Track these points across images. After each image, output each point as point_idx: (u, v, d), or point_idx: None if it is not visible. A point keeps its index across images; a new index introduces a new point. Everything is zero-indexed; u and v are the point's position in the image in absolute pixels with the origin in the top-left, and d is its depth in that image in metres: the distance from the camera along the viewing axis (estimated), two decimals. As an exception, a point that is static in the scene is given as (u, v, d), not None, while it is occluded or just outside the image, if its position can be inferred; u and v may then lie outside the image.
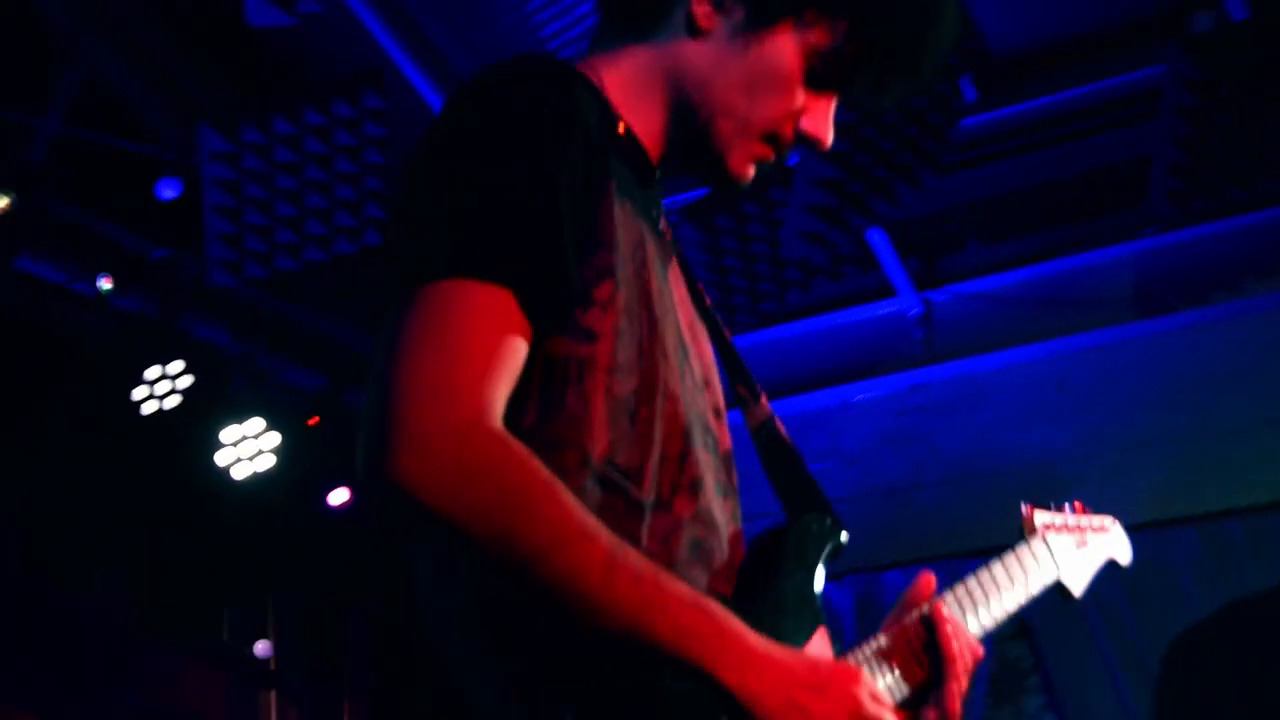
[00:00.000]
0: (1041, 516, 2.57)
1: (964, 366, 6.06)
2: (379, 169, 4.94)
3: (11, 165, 5.08)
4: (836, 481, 6.20)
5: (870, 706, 1.67)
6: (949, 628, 2.04)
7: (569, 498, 1.51)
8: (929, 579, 2.16)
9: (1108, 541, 2.65)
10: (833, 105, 1.88)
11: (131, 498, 5.59)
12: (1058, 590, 2.43)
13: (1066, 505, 2.60)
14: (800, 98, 1.84)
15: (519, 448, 1.50)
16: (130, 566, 5.76)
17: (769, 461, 1.93)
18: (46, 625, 5.68)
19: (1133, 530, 5.38)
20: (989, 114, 5.42)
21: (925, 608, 2.08)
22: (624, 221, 1.71)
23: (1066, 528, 2.55)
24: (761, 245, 5.72)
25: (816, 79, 1.84)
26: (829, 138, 1.88)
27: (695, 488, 1.76)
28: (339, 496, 6.03)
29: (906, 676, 2.03)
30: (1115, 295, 5.78)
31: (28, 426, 5.44)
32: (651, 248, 1.78)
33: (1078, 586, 2.48)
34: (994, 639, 5.62)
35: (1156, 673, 5.29)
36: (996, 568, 2.35)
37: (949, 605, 2.11)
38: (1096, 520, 2.63)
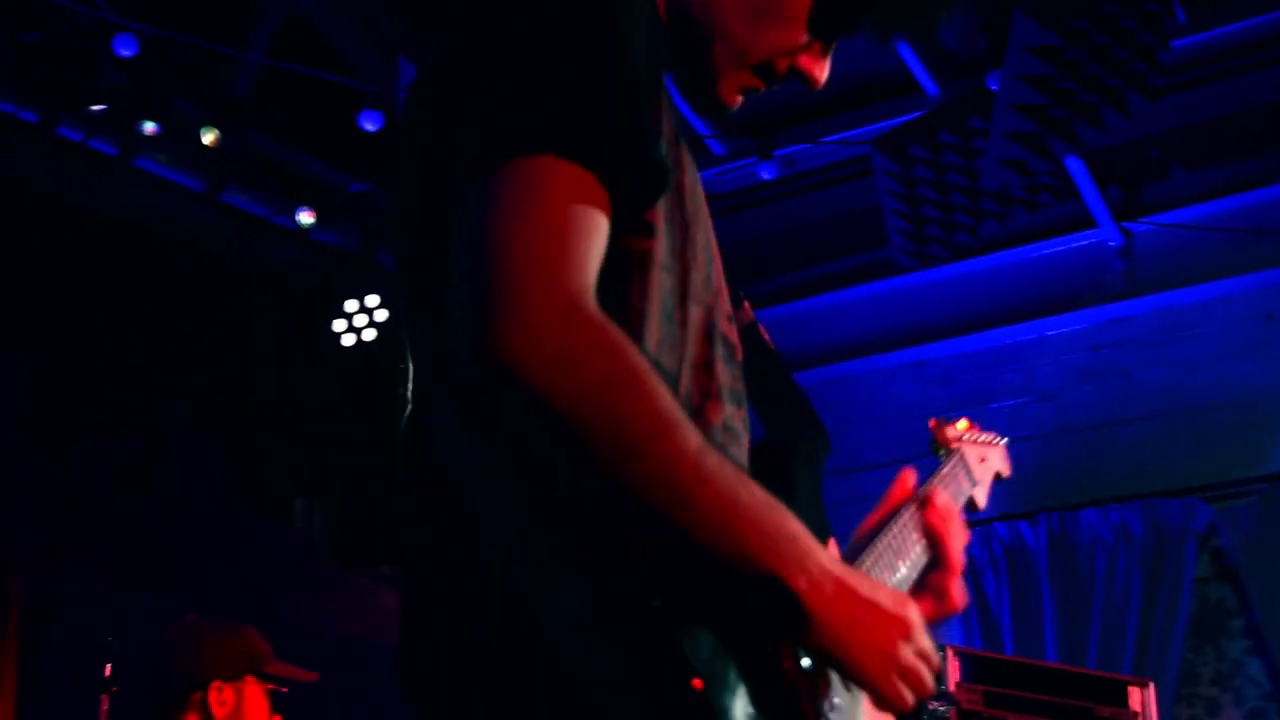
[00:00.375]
0: (951, 431, 2.58)
1: (1166, 299, 5.90)
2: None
3: (217, 100, 5.18)
4: (1030, 418, 6.09)
5: (922, 633, 1.61)
6: (950, 523, 2.07)
7: (665, 387, 1.45)
8: (909, 475, 2.17)
9: (998, 457, 2.69)
10: (832, 45, 1.80)
11: (331, 428, 5.70)
12: (968, 505, 2.46)
13: (957, 421, 2.61)
14: (804, 34, 1.75)
15: (620, 332, 1.44)
16: (330, 497, 5.86)
17: (752, 369, 1.80)
18: (249, 555, 5.81)
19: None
20: (1197, 36, 5.26)
21: (921, 498, 2.11)
22: (667, 111, 1.64)
23: (974, 442, 2.59)
24: (957, 175, 5.60)
25: (819, 19, 1.75)
26: (824, 78, 1.79)
27: (720, 395, 1.68)
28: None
29: (913, 571, 2.05)
30: (1327, 223, 5.58)
31: (231, 359, 5.56)
32: (683, 141, 1.72)
33: (983, 498, 2.55)
34: (1194, 580, 5.51)
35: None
36: (937, 483, 2.33)
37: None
38: (988, 436, 2.68)
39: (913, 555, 2.05)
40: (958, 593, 2.02)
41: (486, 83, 1.52)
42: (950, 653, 4.29)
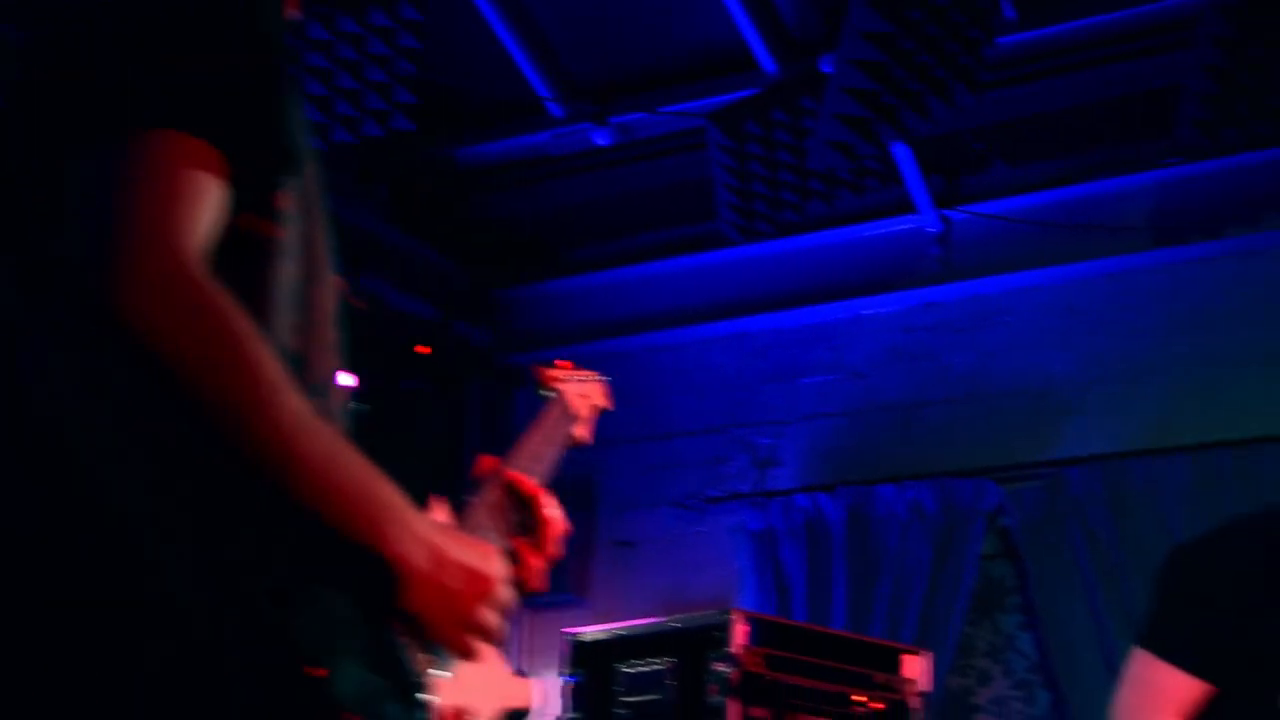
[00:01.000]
0: (552, 372, 2.90)
1: (977, 287, 6.11)
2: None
3: None
4: (841, 394, 6.27)
5: (502, 586, 1.66)
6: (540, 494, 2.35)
7: (268, 351, 1.50)
8: (490, 460, 2.38)
9: (597, 392, 2.99)
10: None
11: None
12: (570, 440, 2.79)
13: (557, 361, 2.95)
14: None
15: (225, 296, 1.49)
16: None
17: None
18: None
19: (1129, 457, 5.50)
20: (1024, 34, 5.44)
21: (505, 480, 2.34)
22: (297, 97, 1.68)
23: (574, 381, 2.90)
24: (787, 154, 5.73)
25: None
26: None
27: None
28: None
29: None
30: (1132, 223, 5.81)
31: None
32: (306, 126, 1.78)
33: (585, 432, 2.89)
34: (979, 557, 5.74)
35: (1135, 599, 5.36)
36: (540, 429, 2.67)
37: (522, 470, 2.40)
38: (587, 374, 2.97)
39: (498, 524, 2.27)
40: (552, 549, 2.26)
41: (125, 49, 1.55)
42: (738, 617, 4.43)
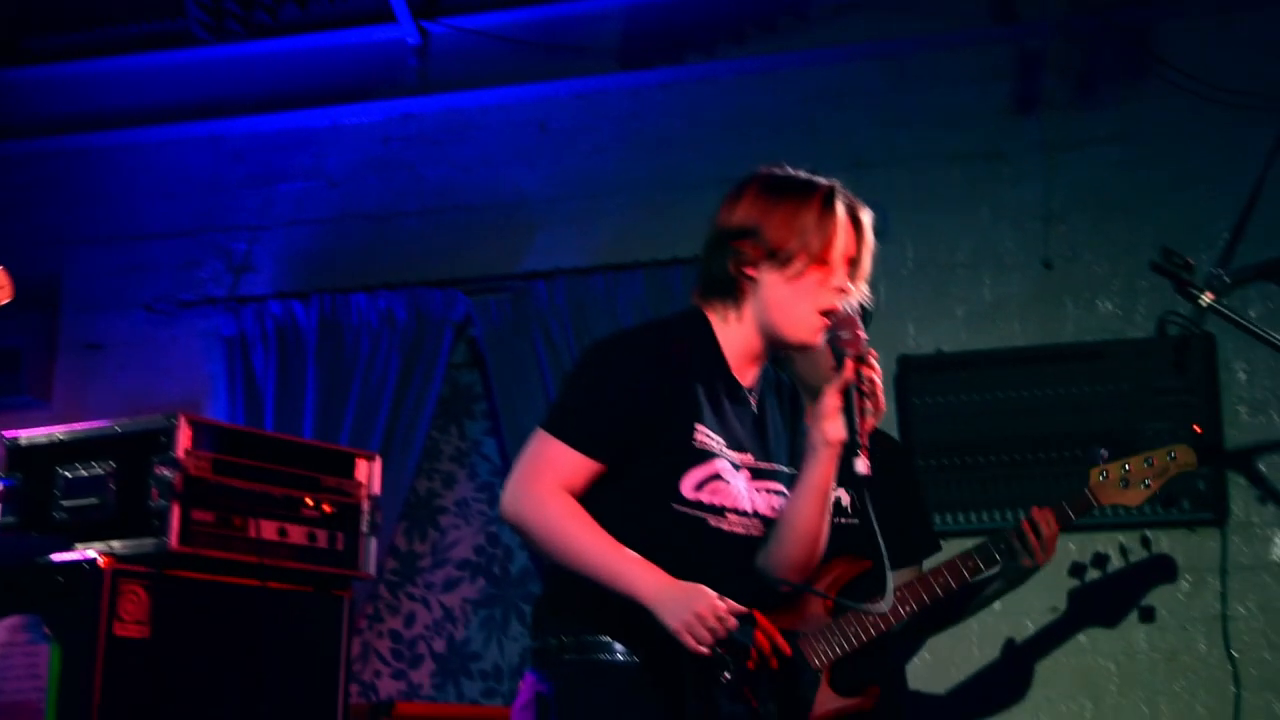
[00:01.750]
0: None
1: (453, 100, 6.17)
2: None
3: None
4: (317, 202, 6.25)
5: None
6: None
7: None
8: None
9: None
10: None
11: None
12: None
13: None
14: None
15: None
16: None
17: None
18: None
19: (589, 272, 5.74)
20: None
21: None
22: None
23: None
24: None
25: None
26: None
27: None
28: None
29: None
30: (601, 45, 5.99)
31: None
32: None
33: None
34: (448, 366, 5.91)
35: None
36: None
37: None
38: None
39: None
40: None
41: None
42: (183, 420, 4.41)
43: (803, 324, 2.83)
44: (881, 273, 5.55)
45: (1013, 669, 5.10)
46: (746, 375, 2.93)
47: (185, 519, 4.35)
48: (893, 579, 2.84)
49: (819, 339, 2.83)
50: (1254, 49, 5.28)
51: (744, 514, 2.86)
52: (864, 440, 2.75)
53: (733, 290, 2.87)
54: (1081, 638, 5.07)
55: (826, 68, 5.77)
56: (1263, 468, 4.99)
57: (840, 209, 2.86)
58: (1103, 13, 5.35)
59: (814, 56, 5.76)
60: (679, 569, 2.71)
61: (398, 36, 6.17)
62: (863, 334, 2.81)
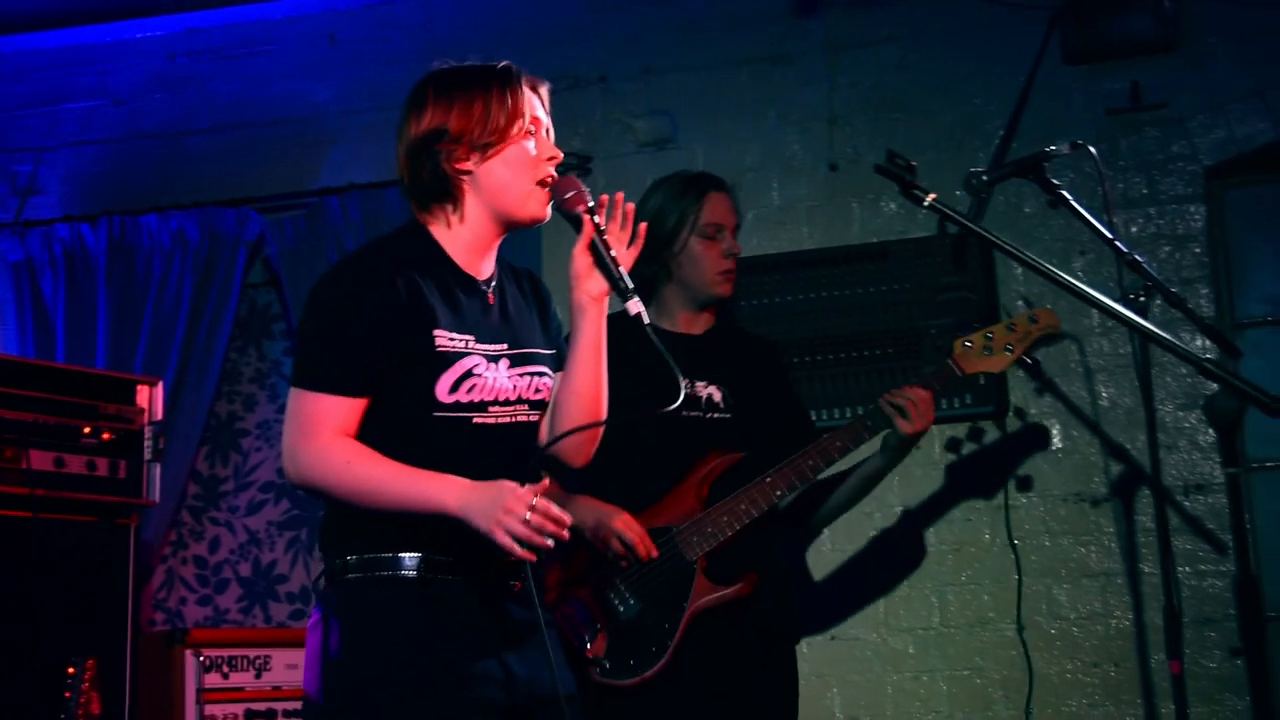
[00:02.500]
0: None
1: (241, 14, 6.01)
2: None
3: None
4: (103, 122, 6.10)
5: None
6: None
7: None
8: None
9: None
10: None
11: None
12: None
13: None
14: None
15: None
16: None
17: None
18: None
19: (383, 186, 5.66)
20: None
21: None
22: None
23: None
24: None
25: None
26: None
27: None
28: None
29: None
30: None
31: None
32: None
33: None
34: (243, 286, 5.82)
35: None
36: None
37: None
38: None
39: None
40: None
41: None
42: (-57, 351, 4.30)
43: (528, 200, 2.91)
44: (672, 179, 5.59)
45: (813, 571, 5.19)
46: (481, 269, 2.97)
47: (-48, 454, 4.27)
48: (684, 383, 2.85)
49: (546, 210, 2.94)
50: (1023, -54, 5.32)
51: (507, 403, 2.90)
52: (627, 283, 2.86)
53: (449, 190, 2.91)
54: (872, 533, 5.17)
55: (616, -29, 5.72)
56: (1039, 358, 5.09)
57: (523, 84, 2.96)
58: (877, -90, 5.36)
59: (603, -38, 5.71)
60: (454, 471, 2.76)
61: (193, -52, 6.01)
62: (583, 186, 2.93)
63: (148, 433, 4.80)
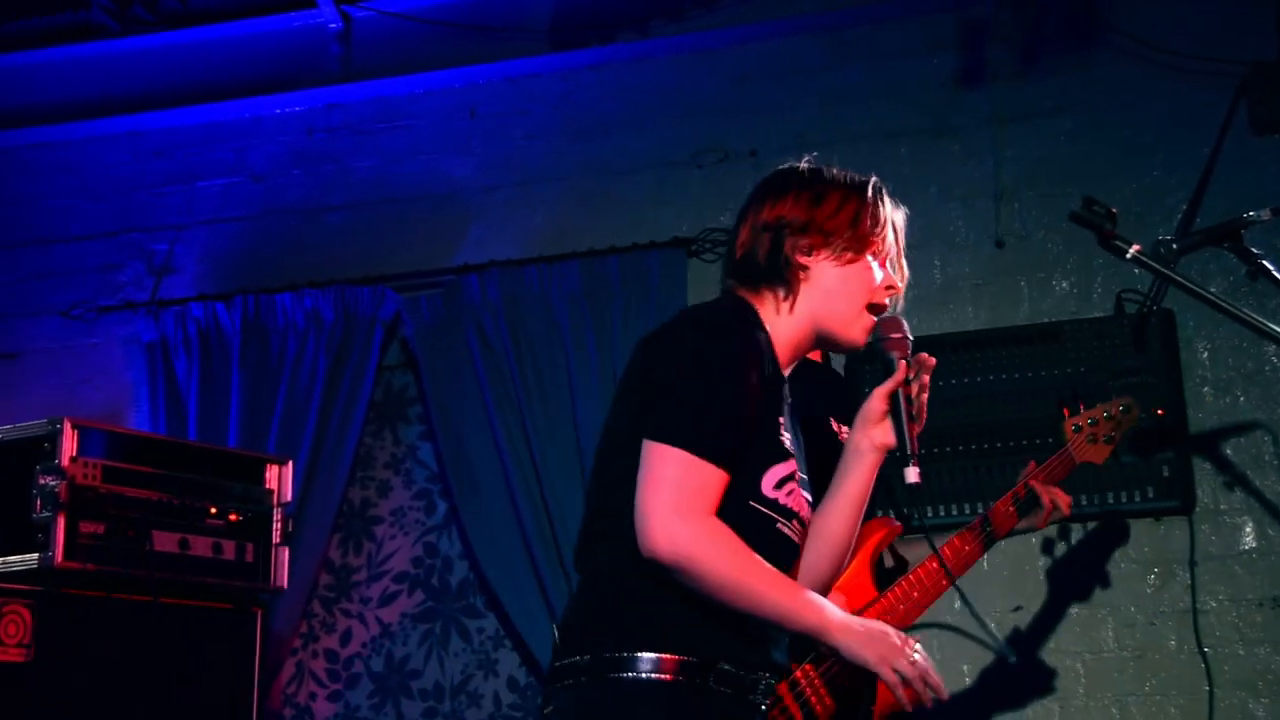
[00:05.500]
0: None
1: (379, 88, 5.89)
2: None
3: None
4: (240, 199, 5.98)
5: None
6: None
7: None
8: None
9: None
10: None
11: None
12: None
13: None
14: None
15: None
16: None
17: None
18: None
19: (523, 264, 5.45)
20: None
21: None
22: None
23: None
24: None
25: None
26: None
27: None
28: None
29: None
30: (531, 25, 5.71)
31: None
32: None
33: None
34: (379, 367, 5.62)
35: (529, 406, 5.37)
36: None
37: None
38: None
39: None
40: None
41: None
42: (67, 426, 4.12)
43: (854, 321, 2.71)
44: (826, 256, 5.31)
45: (976, 674, 4.81)
46: (786, 371, 2.78)
47: (71, 531, 4.06)
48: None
49: (865, 338, 2.72)
50: (1202, 12, 5.00)
51: (801, 524, 2.70)
52: (914, 448, 2.62)
53: (784, 276, 2.70)
54: (1046, 637, 4.78)
55: (764, 43, 5.49)
56: (1229, 452, 4.70)
57: (888, 203, 2.76)
58: (1045, -25, 5.08)
59: (750, 32, 5.48)
60: None
61: (318, 21, 5.90)
62: (908, 332, 2.68)
63: (277, 515, 4.58)
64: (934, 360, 2.72)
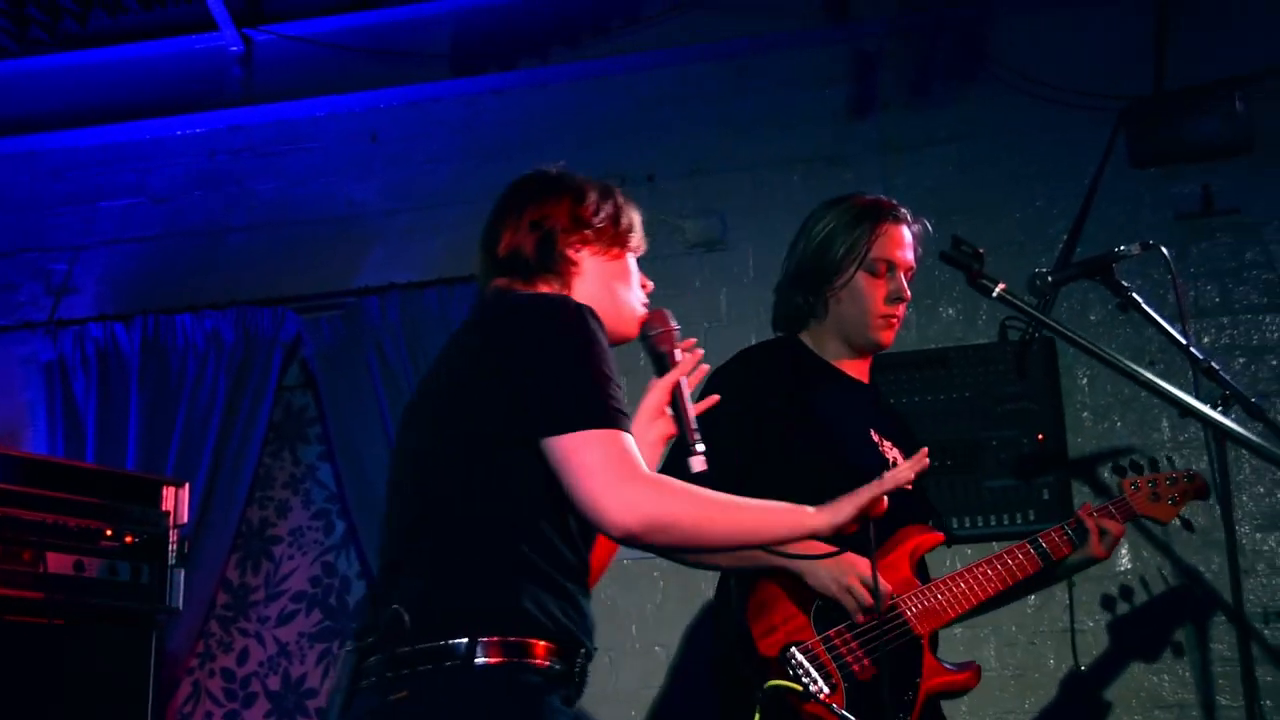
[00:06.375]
0: None
1: (282, 111, 5.92)
2: None
3: None
4: (141, 220, 5.98)
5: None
6: None
7: None
8: None
9: None
10: None
11: None
12: None
13: None
14: None
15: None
16: None
17: None
18: None
19: (423, 286, 5.49)
20: None
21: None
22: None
23: None
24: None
25: None
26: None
27: None
28: None
29: None
30: (432, 51, 5.77)
31: None
32: None
33: None
34: (278, 388, 5.65)
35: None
36: None
37: None
38: None
39: None
40: None
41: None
42: (-38, 449, 4.13)
43: (625, 312, 2.82)
44: (722, 280, 5.42)
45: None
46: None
47: (-36, 555, 4.07)
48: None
49: (637, 330, 2.84)
50: (1085, 48, 5.16)
51: None
52: (697, 438, 2.69)
53: (557, 272, 2.82)
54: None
55: (662, 70, 5.59)
56: (1107, 476, 4.85)
57: (633, 206, 2.93)
58: (934, 9, 5.21)
59: (650, 59, 5.59)
60: None
61: (220, 44, 5.92)
62: (674, 324, 2.81)
63: (173, 536, 4.60)
64: (701, 350, 2.84)
